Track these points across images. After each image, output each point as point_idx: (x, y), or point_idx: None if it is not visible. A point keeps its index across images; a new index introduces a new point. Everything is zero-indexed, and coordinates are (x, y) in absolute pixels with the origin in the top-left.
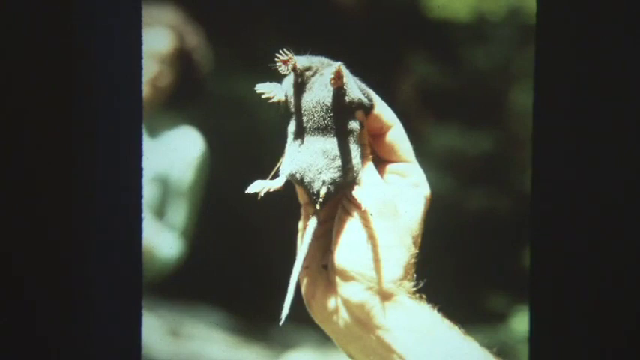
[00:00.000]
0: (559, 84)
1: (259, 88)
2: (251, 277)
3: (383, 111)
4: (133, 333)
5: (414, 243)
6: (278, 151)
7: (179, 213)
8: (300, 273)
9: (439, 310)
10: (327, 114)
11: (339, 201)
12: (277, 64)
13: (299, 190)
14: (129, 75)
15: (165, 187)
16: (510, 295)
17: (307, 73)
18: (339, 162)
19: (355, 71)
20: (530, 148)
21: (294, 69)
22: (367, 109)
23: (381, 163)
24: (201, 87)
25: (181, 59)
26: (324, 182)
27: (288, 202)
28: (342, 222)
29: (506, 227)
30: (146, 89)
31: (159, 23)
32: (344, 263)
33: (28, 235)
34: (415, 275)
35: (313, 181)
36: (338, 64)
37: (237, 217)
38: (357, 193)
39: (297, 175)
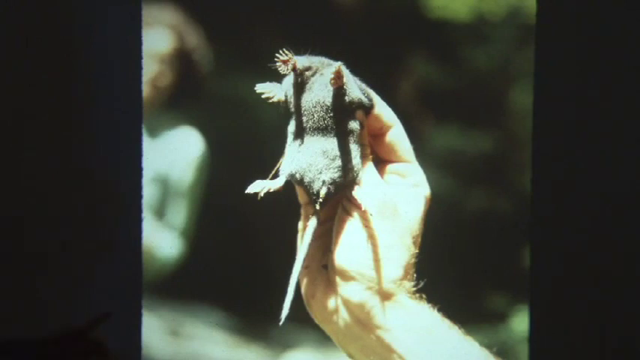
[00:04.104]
0: (559, 84)
1: (259, 88)
2: (251, 277)
3: (383, 111)
4: (133, 333)
5: (414, 243)
6: (278, 151)
7: (179, 213)
8: (300, 273)
9: (439, 310)
10: (327, 114)
11: (339, 201)
12: (277, 64)
13: (299, 190)
14: (129, 75)
15: (165, 187)
16: (510, 295)
17: (307, 73)
18: (339, 162)
19: (355, 71)
20: (530, 148)
21: (294, 69)
22: (367, 109)
23: (381, 163)
24: (201, 87)
25: (181, 59)
26: (324, 182)
27: (288, 202)
28: (342, 222)
29: (506, 227)
30: (146, 89)
31: (159, 23)
32: (344, 263)
33: (27, 235)
34: (415, 275)
35: (313, 181)
36: (338, 64)
37: (237, 217)
38: (357, 193)
39: (297, 175)
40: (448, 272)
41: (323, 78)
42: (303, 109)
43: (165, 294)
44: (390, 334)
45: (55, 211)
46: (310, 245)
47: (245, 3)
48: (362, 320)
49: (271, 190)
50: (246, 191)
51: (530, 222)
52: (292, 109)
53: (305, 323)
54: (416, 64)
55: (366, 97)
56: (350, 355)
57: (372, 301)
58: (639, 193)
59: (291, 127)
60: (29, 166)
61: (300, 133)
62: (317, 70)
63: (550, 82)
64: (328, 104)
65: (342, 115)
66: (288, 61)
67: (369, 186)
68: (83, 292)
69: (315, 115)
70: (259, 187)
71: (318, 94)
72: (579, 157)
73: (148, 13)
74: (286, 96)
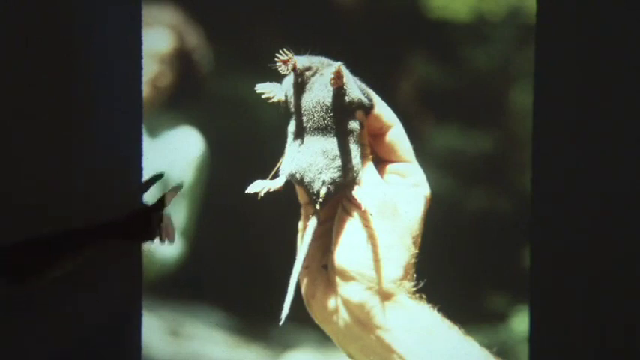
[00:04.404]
0: (559, 84)
1: (259, 88)
2: (251, 277)
3: (383, 111)
4: (133, 333)
5: (414, 243)
6: (278, 151)
7: (179, 213)
8: (300, 273)
9: (439, 310)
10: (327, 114)
11: (339, 201)
12: (277, 64)
13: (299, 190)
14: (129, 75)
15: (165, 187)
16: (510, 295)
17: (307, 73)
18: (339, 162)
19: (355, 71)
20: (530, 148)
21: (294, 69)
22: (367, 109)
23: (381, 163)
24: (201, 87)
25: (181, 59)
26: (324, 182)
27: (288, 202)
28: (342, 222)
29: (506, 227)
30: (146, 89)
31: (159, 23)
32: (344, 263)
33: (27, 235)
34: (415, 275)
35: (313, 181)
36: (338, 64)
37: (237, 217)
38: (357, 193)
39: (297, 175)
40: (448, 272)
41: (323, 78)
42: (303, 109)
43: (166, 294)
44: (390, 334)
45: (55, 211)
46: (310, 245)
47: (245, 3)
48: (362, 320)
49: (271, 190)
50: (246, 191)
51: (530, 222)
52: (292, 109)
53: (305, 323)
54: (416, 64)
55: (366, 97)
56: (350, 355)
57: (372, 301)
58: (639, 193)
59: (291, 127)
60: (29, 166)
61: (300, 133)
62: (317, 70)
63: (550, 82)
64: (328, 104)
65: (342, 115)
66: (288, 61)
67: (369, 186)
68: (83, 293)
69: (315, 115)
70: (259, 187)
71: (318, 94)
72: (579, 157)
73: (148, 13)
74: (286, 96)
